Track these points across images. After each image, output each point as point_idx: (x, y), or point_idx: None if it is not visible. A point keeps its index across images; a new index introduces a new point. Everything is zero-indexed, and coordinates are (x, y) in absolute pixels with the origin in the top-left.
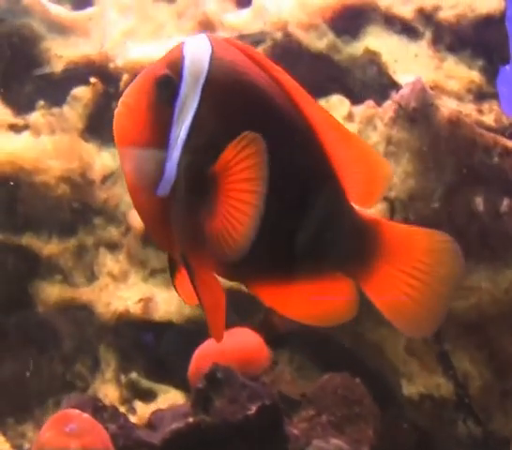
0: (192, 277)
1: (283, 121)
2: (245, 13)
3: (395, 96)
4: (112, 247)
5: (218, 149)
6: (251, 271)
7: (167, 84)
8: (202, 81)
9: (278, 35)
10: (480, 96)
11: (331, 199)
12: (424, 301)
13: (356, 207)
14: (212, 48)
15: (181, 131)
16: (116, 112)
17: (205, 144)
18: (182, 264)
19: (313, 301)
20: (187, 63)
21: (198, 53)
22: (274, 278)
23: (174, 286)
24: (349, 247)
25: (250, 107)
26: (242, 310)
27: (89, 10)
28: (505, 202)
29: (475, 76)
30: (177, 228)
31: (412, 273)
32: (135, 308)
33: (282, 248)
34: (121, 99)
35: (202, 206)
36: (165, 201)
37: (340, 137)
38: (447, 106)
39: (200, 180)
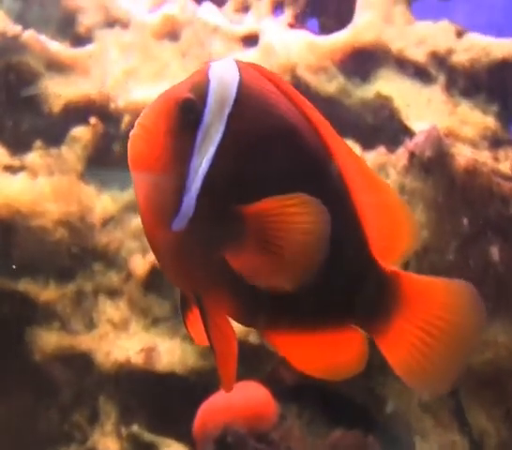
0: (205, 318)
1: (312, 164)
2: (251, 54)
3: (409, 143)
4: (113, 293)
5: (243, 185)
6: (270, 318)
7: (190, 109)
8: (228, 109)
9: (287, 77)
10: (496, 142)
11: (356, 251)
12: (438, 360)
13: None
14: (240, 73)
15: (203, 161)
16: (132, 133)
17: (229, 179)
18: (195, 304)
19: (325, 353)
20: (212, 87)
21: (225, 78)
22: (291, 328)
23: (185, 324)
24: (369, 300)
25: (279, 142)
26: (249, 362)
27: (89, 48)
28: None
29: (490, 122)
30: (193, 265)
31: (428, 329)
32: (137, 358)
33: (304, 298)
34: (138, 121)
35: (224, 244)
36: (181, 236)
37: (369, 184)
38: (463, 154)
39: (223, 217)
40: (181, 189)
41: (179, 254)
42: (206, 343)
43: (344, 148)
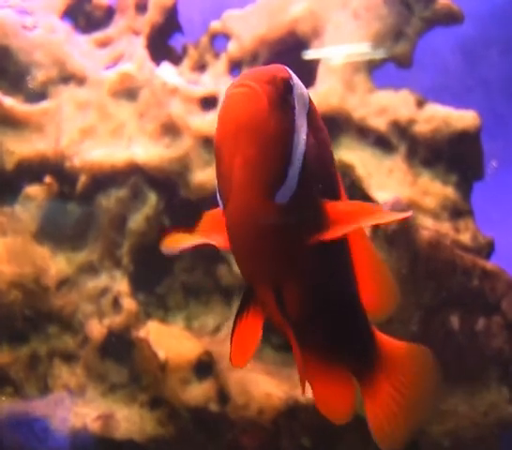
0: (284, 311)
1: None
2: (211, 117)
3: None
4: (68, 357)
5: (322, 177)
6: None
7: (290, 90)
8: (306, 107)
9: None
10: (456, 212)
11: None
12: (403, 419)
13: None
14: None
15: (300, 142)
16: (239, 91)
17: (315, 167)
18: (271, 296)
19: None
20: (295, 83)
21: (298, 82)
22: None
23: (232, 337)
24: (364, 350)
25: (329, 165)
26: (210, 430)
27: (44, 104)
28: (482, 320)
29: (450, 192)
30: (284, 246)
31: (399, 388)
32: (93, 426)
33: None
34: (242, 81)
35: (312, 233)
36: (282, 209)
37: (364, 247)
38: (426, 227)
39: (315, 204)
40: (287, 161)
41: (275, 231)
42: (245, 364)
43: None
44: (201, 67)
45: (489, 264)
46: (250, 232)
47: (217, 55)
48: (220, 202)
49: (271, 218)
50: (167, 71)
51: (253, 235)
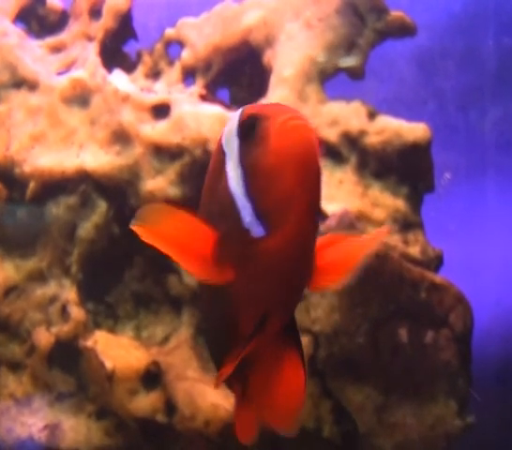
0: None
1: None
2: (162, 126)
3: (320, 227)
4: (15, 366)
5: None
6: None
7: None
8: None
9: (198, 152)
10: (406, 225)
11: None
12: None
13: None
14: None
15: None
16: (302, 124)
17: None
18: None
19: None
20: None
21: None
22: None
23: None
24: None
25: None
26: (157, 441)
27: None
28: (430, 333)
29: (401, 204)
30: (299, 271)
31: None
32: (40, 436)
33: None
34: (292, 114)
35: None
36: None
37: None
38: None
39: None
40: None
41: (312, 262)
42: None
43: None
44: (155, 73)
45: (438, 277)
46: (301, 260)
47: (171, 63)
48: (257, 225)
49: (313, 251)
50: (119, 78)
51: (302, 265)
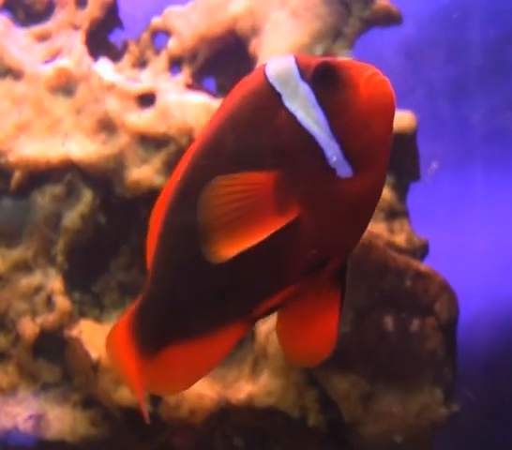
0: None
1: None
2: (148, 114)
3: None
4: (0, 356)
5: None
6: None
7: None
8: None
9: (183, 140)
10: (391, 213)
11: None
12: None
13: None
14: None
15: None
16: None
17: None
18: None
19: None
20: None
21: None
22: None
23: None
24: None
25: None
26: (143, 431)
27: None
28: (416, 322)
29: (386, 193)
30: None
31: None
32: (25, 426)
33: None
34: (373, 70)
35: None
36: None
37: None
38: None
39: None
40: None
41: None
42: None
43: None
44: (142, 63)
45: (423, 266)
46: (376, 204)
47: (157, 52)
48: (345, 165)
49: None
50: (104, 67)
51: (374, 206)
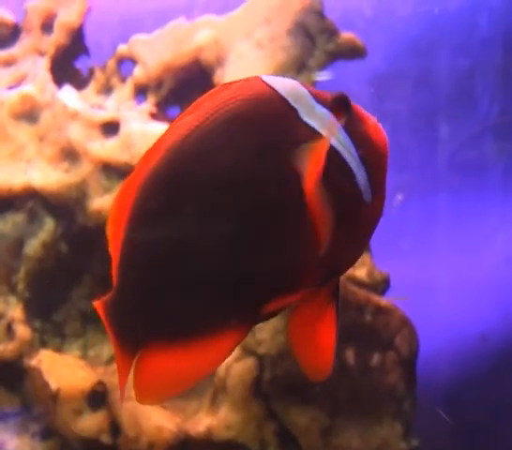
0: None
1: None
2: (111, 143)
3: None
4: None
5: None
6: None
7: None
8: None
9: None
10: None
11: None
12: None
13: None
14: None
15: None
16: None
17: None
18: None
19: None
20: None
21: None
22: None
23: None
24: None
25: None
26: None
27: None
28: (376, 356)
29: None
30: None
31: None
32: None
33: None
34: None
35: None
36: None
37: None
38: None
39: None
40: None
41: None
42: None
43: None
44: (107, 90)
45: (383, 301)
46: (376, 226)
47: (123, 79)
48: (368, 191)
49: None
50: (68, 95)
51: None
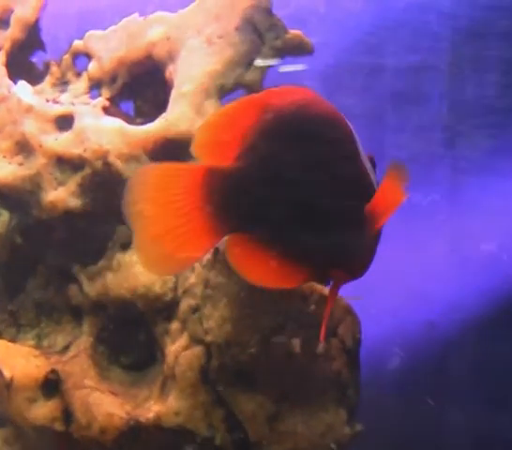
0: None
1: None
2: (65, 137)
3: None
4: None
5: None
6: None
7: None
8: None
9: (98, 163)
10: None
11: None
12: None
13: None
14: None
15: None
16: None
17: None
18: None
19: None
20: None
21: None
22: None
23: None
24: None
25: None
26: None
27: None
28: (321, 344)
29: None
30: None
31: None
32: None
33: None
34: None
35: None
36: None
37: None
38: None
39: None
40: None
41: None
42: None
43: None
44: (63, 84)
45: (326, 290)
46: None
47: (79, 74)
48: None
49: None
50: (23, 89)
51: None
